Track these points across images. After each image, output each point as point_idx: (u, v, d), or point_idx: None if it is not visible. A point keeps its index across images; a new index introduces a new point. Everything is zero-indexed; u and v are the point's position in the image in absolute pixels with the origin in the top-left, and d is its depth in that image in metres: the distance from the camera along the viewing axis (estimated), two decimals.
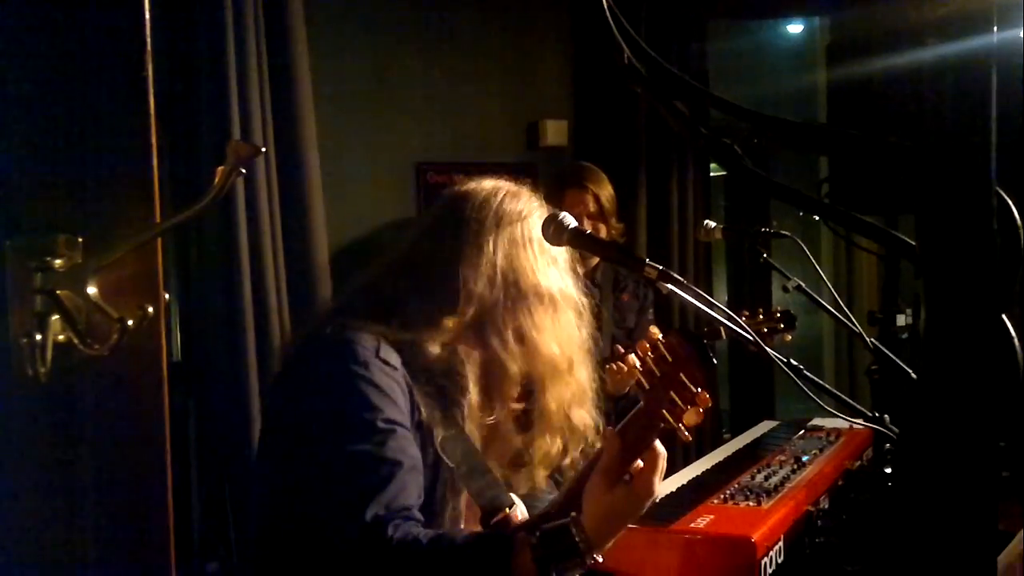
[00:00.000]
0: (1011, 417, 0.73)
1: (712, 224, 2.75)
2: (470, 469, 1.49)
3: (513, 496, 1.54)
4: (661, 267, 1.81)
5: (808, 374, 1.86)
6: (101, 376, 0.76)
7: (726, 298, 4.74)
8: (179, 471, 2.59)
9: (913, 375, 0.69)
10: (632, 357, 1.32)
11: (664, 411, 1.26)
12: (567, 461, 1.58)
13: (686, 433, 1.27)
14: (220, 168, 0.80)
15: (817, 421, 3.02)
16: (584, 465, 1.42)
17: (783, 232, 2.66)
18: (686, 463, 2.96)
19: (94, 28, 0.80)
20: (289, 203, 2.83)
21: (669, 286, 1.79)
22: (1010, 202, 0.67)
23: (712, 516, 2.04)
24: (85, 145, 0.78)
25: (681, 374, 1.26)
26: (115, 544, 0.79)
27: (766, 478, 2.35)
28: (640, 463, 1.29)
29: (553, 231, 2.00)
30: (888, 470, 2.10)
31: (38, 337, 0.71)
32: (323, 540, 1.35)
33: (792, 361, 1.88)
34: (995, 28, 0.72)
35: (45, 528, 0.78)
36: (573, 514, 1.28)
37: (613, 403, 3.04)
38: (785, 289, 2.49)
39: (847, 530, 2.19)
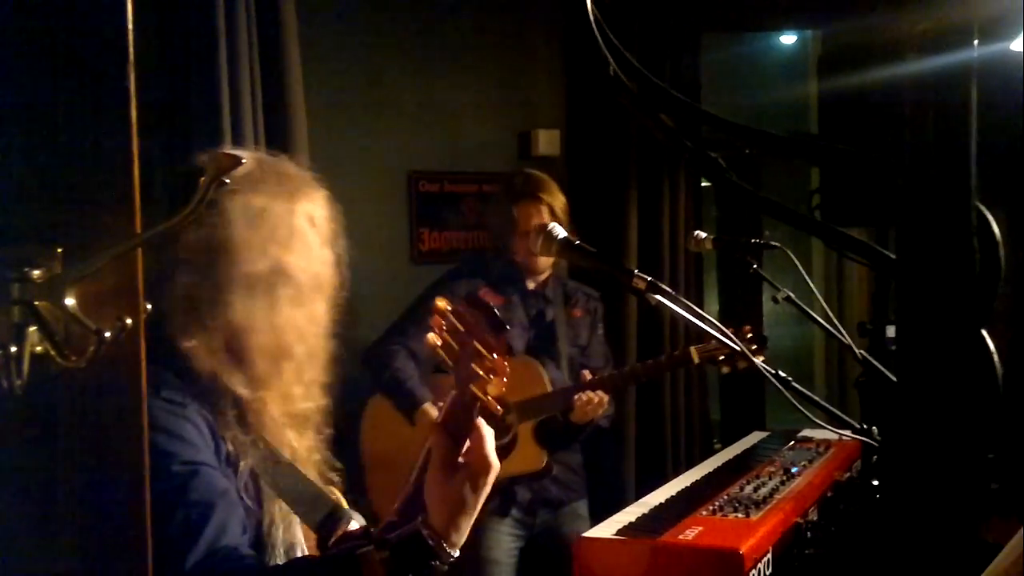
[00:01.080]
0: (992, 430, 0.73)
1: (703, 235, 2.75)
2: (291, 490, 1.39)
3: (350, 510, 1.45)
4: (650, 278, 1.82)
5: (796, 386, 1.87)
6: (79, 388, 0.75)
7: (717, 309, 4.75)
8: None
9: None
10: (431, 336, 1.24)
11: (472, 387, 1.21)
12: (306, 448, 1.45)
13: (496, 407, 1.23)
14: (201, 179, 0.80)
15: (806, 432, 3.02)
16: (417, 467, 1.34)
17: (773, 243, 2.67)
18: (676, 474, 2.96)
19: (75, 37, 0.80)
20: None
21: (658, 297, 1.79)
22: (990, 217, 0.67)
23: (701, 528, 2.04)
24: (65, 155, 0.78)
25: (475, 343, 1.21)
26: (93, 557, 0.78)
27: (755, 489, 2.35)
28: (468, 443, 1.24)
29: (542, 242, 2.00)
30: (876, 482, 2.10)
31: (14, 349, 0.70)
32: None
33: (781, 373, 1.88)
34: (976, 43, 0.73)
35: (21, 541, 0.77)
36: (420, 517, 1.23)
37: (580, 430, 2.95)
38: (775, 300, 2.50)
39: (836, 542, 2.19)
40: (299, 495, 1.40)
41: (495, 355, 1.21)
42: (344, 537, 1.38)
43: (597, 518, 2.26)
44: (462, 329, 1.22)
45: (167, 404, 1.30)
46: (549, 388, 2.89)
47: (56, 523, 0.77)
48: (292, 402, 1.42)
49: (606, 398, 2.86)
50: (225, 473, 1.33)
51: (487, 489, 1.25)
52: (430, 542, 1.21)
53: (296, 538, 1.44)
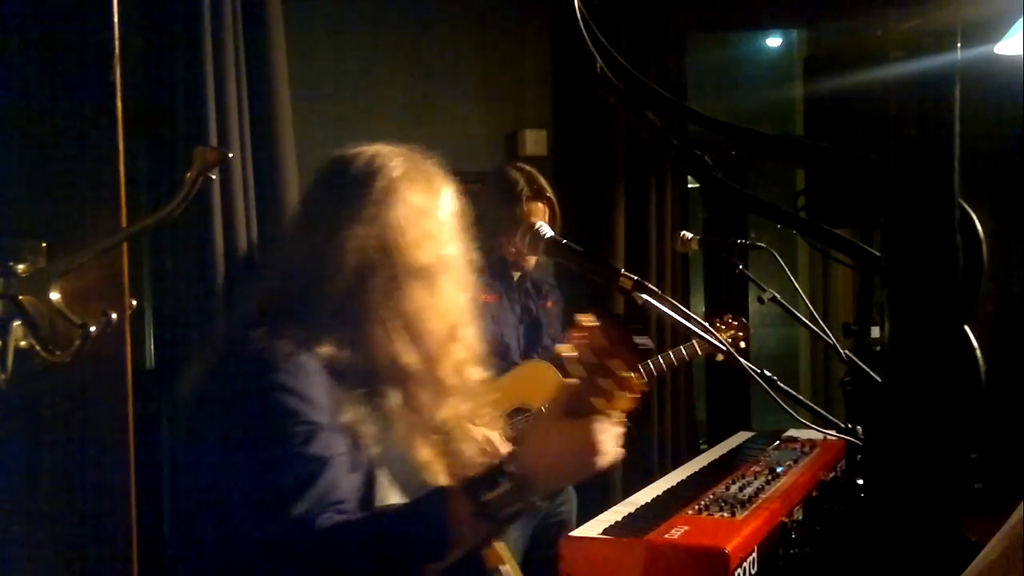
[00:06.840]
0: (973, 427, 0.74)
1: (689, 235, 2.76)
2: (401, 473, 1.44)
3: None
4: (636, 277, 1.82)
5: (782, 385, 1.87)
6: (63, 382, 0.74)
7: (703, 309, 4.76)
8: (151, 479, 2.56)
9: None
10: (565, 348, 1.28)
11: (593, 400, 1.24)
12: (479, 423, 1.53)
13: (623, 421, 1.26)
14: (188, 175, 0.80)
15: (792, 432, 3.03)
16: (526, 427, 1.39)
17: (759, 244, 2.69)
18: (662, 474, 2.96)
19: (62, 34, 0.80)
20: (265, 209, 2.81)
21: (644, 296, 1.79)
22: (972, 214, 0.68)
23: (686, 527, 2.05)
24: (51, 149, 0.78)
25: (612, 360, 1.24)
26: (76, 551, 0.77)
27: (740, 489, 2.36)
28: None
29: (529, 241, 2.00)
30: (861, 481, 2.11)
31: None
32: (251, 548, 1.28)
33: (766, 372, 1.89)
34: (959, 44, 0.73)
35: (5, 534, 0.77)
36: (505, 458, 1.26)
37: None
38: (761, 301, 2.51)
39: (821, 541, 2.20)
40: (407, 477, 1.43)
41: (628, 373, 1.23)
42: None
43: (583, 518, 2.26)
44: (601, 345, 1.24)
45: (298, 368, 1.34)
46: None
47: (40, 515, 0.77)
48: (447, 382, 1.48)
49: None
50: (343, 440, 1.36)
51: (587, 469, 1.29)
52: (510, 470, 1.23)
53: None
